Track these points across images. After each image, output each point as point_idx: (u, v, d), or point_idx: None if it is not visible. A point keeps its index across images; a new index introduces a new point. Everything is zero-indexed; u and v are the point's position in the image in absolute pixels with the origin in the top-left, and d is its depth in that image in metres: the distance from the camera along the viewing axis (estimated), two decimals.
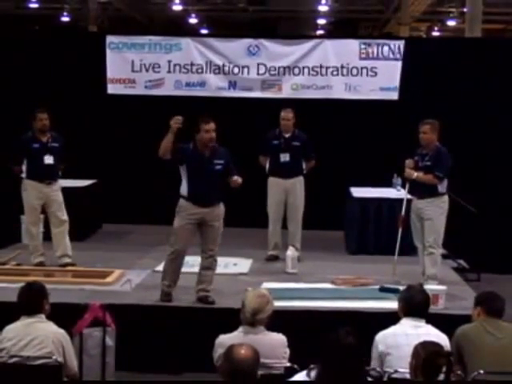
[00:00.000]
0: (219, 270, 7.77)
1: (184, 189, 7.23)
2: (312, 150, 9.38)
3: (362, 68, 11.03)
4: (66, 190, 8.94)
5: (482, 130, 10.78)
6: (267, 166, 9.39)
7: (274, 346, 4.86)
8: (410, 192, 8.30)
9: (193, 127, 7.18)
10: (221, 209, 7.32)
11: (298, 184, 9.32)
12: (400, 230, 8.39)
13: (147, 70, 11.24)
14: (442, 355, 4.07)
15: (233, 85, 11.20)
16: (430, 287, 6.91)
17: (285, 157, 9.25)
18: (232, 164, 7.32)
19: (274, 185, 9.32)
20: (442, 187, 7.92)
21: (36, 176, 8.54)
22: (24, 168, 8.57)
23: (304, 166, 9.36)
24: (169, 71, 11.23)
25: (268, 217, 9.39)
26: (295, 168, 9.30)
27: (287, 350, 4.95)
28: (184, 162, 7.19)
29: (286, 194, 9.29)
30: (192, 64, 11.20)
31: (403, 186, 8.75)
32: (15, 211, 9.32)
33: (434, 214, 7.86)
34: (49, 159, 8.55)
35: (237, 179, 7.17)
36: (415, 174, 7.91)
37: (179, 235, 7.23)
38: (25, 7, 25.56)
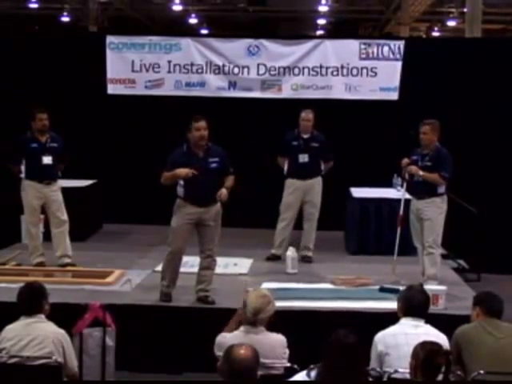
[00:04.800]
0: (219, 270, 7.77)
1: (180, 189, 7.22)
2: (330, 150, 9.39)
3: (362, 68, 11.02)
4: (66, 190, 8.94)
5: (482, 129, 10.77)
6: (285, 167, 9.38)
7: (274, 346, 4.87)
8: (408, 192, 8.31)
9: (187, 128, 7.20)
10: (218, 208, 7.31)
11: (316, 184, 9.31)
12: (399, 230, 8.40)
13: (147, 70, 11.23)
14: (441, 354, 4.08)
15: (233, 85, 11.19)
16: (430, 287, 6.91)
17: (304, 157, 9.23)
18: (228, 162, 7.30)
19: (292, 186, 9.29)
20: (441, 188, 7.92)
21: (34, 176, 8.53)
22: (23, 168, 8.57)
23: (322, 166, 9.37)
24: (169, 71, 11.22)
25: (279, 215, 9.35)
26: (314, 169, 9.29)
27: (287, 351, 4.95)
28: (179, 167, 7.13)
29: (304, 193, 9.27)
30: (192, 64, 11.19)
31: (403, 186, 8.75)
32: (15, 211, 9.32)
33: (433, 214, 7.87)
34: (47, 159, 8.54)
35: (221, 193, 7.08)
36: (421, 172, 7.90)
37: (176, 235, 7.23)
38: (25, 7, 25.56)
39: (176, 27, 25.37)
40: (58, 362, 4.88)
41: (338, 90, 11.07)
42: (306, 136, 9.28)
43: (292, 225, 9.38)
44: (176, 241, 7.23)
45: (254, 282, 7.76)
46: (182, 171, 7.04)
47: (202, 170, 7.11)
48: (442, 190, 7.93)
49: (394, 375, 4.62)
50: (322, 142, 9.32)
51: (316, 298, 7.44)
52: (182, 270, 7.44)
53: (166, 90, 11.22)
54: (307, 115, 9.24)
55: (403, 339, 4.75)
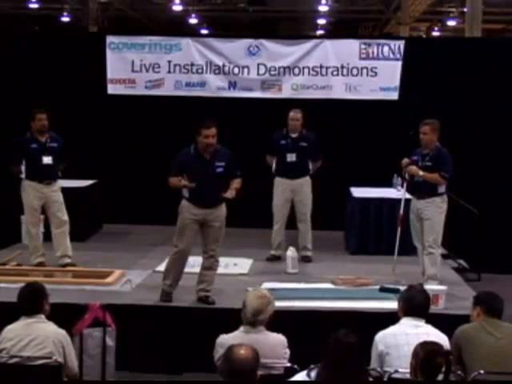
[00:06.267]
0: (220, 270, 7.76)
1: (185, 190, 7.20)
2: (319, 150, 9.37)
3: (362, 68, 11.02)
4: (66, 191, 8.94)
5: (482, 129, 10.77)
6: (274, 165, 9.39)
7: (274, 346, 4.87)
8: (408, 192, 8.31)
9: (194, 128, 7.16)
10: (223, 210, 7.30)
11: (304, 184, 9.31)
12: (399, 230, 8.40)
13: (147, 70, 11.23)
14: (441, 354, 4.08)
15: (233, 85, 11.19)
16: (430, 287, 6.91)
17: (291, 157, 9.22)
18: (234, 165, 7.27)
19: (280, 185, 9.30)
20: (442, 187, 7.92)
21: (35, 176, 8.53)
22: (23, 168, 8.57)
23: (310, 166, 9.37)
24: (169, 71, 11.22)
25: (273, 216, 9.37)
26: (301, 168, 9.28)
27: (287, 351, 4.96)
28: (185, 171, 7.13)
29: (293, 193, 9.28)
30: (192, 64, 11.19)
31: (403, 186, 8.75)
32: (15, 211, 9.32)
33: (433, 213, 7.87)
34: (47, 159, 8.54)
35: (229, 192, 7.08)
36: (421, 172, 7.90)
37: (183, 234, 7.21)
38: (25, 7, 25.56)
39: (176, 27, 25.38)
40: (58, 362, 4.88)
41: (338, 89, 11.06)
42: (294, 135, 9.27)
43: (285, 223, 9.37)
44: (183, 240, 7.21)
45: (253, 282, 7.75)
46: (184, 184, 7.04)
47: (208, 173, 7.08)
48: (442, 189, 7.93)
49: (395, 375, 4.62)
50: (311, 142, 9.30)
51: (316, 298, 7.44)
52: None
53: (166, 90, 11.22)
54: (296, 115, 9.23)
55: (404, 339, 4.75)
